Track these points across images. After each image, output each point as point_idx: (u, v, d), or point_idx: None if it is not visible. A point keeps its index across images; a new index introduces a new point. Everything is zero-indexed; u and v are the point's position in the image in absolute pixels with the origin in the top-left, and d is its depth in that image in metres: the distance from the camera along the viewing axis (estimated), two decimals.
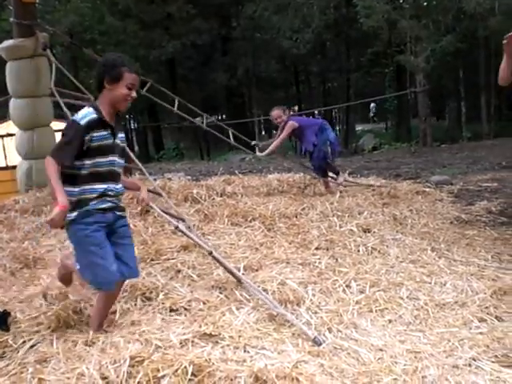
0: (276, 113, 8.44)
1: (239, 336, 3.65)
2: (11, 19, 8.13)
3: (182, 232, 5.13)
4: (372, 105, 41.34)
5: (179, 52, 26.97)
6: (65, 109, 7.30)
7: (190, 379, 3.03)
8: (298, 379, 3.13)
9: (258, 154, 9.58)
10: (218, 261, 4.79)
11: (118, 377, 3.15)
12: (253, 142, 9.60)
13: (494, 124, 24.68)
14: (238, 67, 28.42)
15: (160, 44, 25.97)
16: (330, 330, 3.87)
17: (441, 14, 19.97)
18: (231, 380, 3.02)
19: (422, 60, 19.85)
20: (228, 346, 3.53)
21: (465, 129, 24.04)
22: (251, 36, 28.14)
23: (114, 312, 4.06)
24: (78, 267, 3.60)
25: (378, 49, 26.58)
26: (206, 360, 3.19)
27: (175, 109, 9.64)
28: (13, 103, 8.09)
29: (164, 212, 5.59)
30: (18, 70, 7.97)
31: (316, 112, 33.09)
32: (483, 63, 23.97)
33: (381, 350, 3.61)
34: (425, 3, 20.38)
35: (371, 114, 43.49)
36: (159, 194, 6.61)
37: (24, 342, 3.67)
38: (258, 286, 4.50)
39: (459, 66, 25.10)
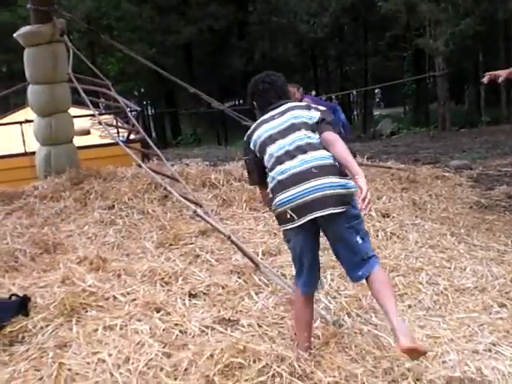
0: (290, 90, 8.38)
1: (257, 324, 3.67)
2: (28, 5, 8.11)
3: (201, 217, 5.14)
4: (377, 90, 40.86)
5: (196, 37, 26.89)
6: (83, 94, 7.32)
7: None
8: (319, 362, 3.14)
9: None
10: (236, 245, 4.79)
11: (138, 362, 3.18)
12: None
13: None
14: (254, 52, 28.30)
15: (176, 29, 25.90)
16: (349, 314, 3.88)
17: None
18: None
19: (441, 43, 19.61)
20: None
21: (484, 113, 23.78)
22: (268, 20, 27.95)
23: (135, 299, 4.07)
24: (360, 241, 3.22)
25: (397, 32, 26.28)
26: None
27: (192, 90, 9.60)
28: (30, 89, 8.10)
29: (182, 197, 5.60)
30: (35, 57, 7.97)
31: (333, 96, 32.91)
32: (503, 46, 23.64)
33: None
34: None
35: (377, 99, 43.14)
36: (177, 180, 6.62)
37: (43, 327, 3.70)
38: (277, 271, 4.50)
39: (478, 50, 24.78)
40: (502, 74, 5.20)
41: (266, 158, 3.33)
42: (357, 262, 3.21)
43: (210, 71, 30.67)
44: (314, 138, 3.28)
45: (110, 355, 3.27)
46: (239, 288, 4.25)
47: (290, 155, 3.24)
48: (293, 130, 3.32)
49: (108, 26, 27.01)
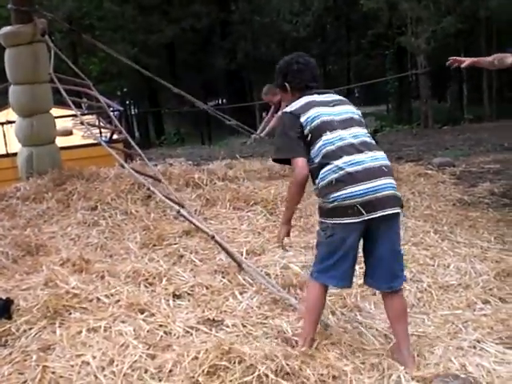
0: (269, 93, 8.35)
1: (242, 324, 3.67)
2: (9, 6, 8.05)
3: (184, 217, 5.11)
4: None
5: (178, 36, 26.85)
6: (64, 94, 7.26)
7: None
8: (306, 360, 3.13)
9: (253, 136, 9.49)
10: (220, 245, 4.77)
11: (123, 364, 3.16)
12: (252, 136, 9.56)
13: (496, 105, 24.59)
14: (237, 51, 28.31)
15: (159, 29, 25.83)
16: (333, 313, 3.87)
17: None
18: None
19: (422, 41, 19.72)
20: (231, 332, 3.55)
21: (466, 111, 23.97)
22: (250, 19, 27.99)
23: (118, 301, 4.04)
24: (402, 251, 3.34)
25: (379, 31, 26.42)
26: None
27: (175, 90, 9.59)
28: (12, 90, 8.03)
29: (165, 197, 5.58)
30: (16, 57, 7.90)
31: None
32: (484, 44, 23.84)
33: (385, 333, 3.61)
34: None
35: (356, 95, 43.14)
36: (159, 180, 6.59)
37: (26, 330, 3.67)
38: (261, 271, 4.50)
39: (460, 48, 24.98)
40: (467, 61, 5.22)
41: (319, 142, 3.19)
42: (395, 271, 3.26)
43: (193, 70, 30.62)
44: (372, 138, 3.32)
45: (94, 357, 3.24)
46: (223, 288, 4.24)
47: (355, 148, 3.18)
48: (354, 124, 3.31)
49: (90, 26, 26.90)
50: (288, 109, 3.35)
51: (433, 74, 23.41)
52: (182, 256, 4.98)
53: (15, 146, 8.43)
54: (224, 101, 38.32)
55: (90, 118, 10.84)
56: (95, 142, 8.88)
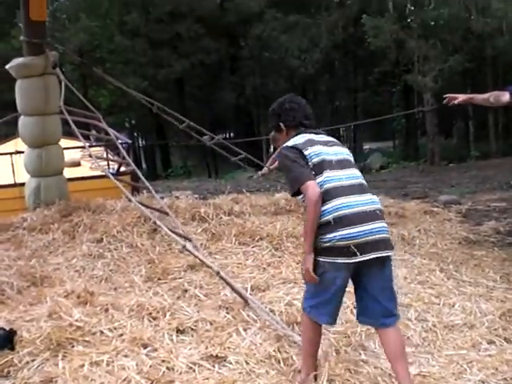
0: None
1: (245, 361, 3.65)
2: (21, 37, 8.19)
3: (189, 251, 5.12)
4: None
5: (188, 71, 27.13)
6: (73, 126, 7.33)
7: None
8: None
9: (260, 172, 9.51)
10: (225, 281, 4.77)
11: None
12: (259, 173, 9.58)
13: (502, 143, 24.65)
14: (245, 86, 28.54)
15: (169, 63, 26.15)
16: (337, 351, 3.84)
17: (448, 33, 20.02)
18: None
19: (429, 79, 19.89)
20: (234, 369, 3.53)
21: (473, 147, 24.03)
22: (259, 55, 28.29)
23: (122, 335, 4.03)
24: (395, 288, 3.48)
25: (386, 68, 26.65)
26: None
27: (182, 126, 9.68)
28: (22, 121, 8.12)
29: (171, 231, 5.58)
30: (27, 88, 8.01)
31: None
32: (491, 82, 23.99)
33: (390, 372, 3.58)
34: (432, 23, 20.43)
35: None
36: (166, 213, 6.61)
37: (29, 361, 3.66)
38: (266, 307, 4.48)
39: (467, 85, 25.16)
40: (461, 97, 5.24)
41: (320, 177, 3.24)
42: (388, 309, 3.32)
43: (202, 105, 30.88)
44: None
45: None
46: (227, 324, 4.22)
47: (353, 190, 3.27)
48: (349, 165, 3.40)
49: (101, 59, 27.27)
50: (289, 143, 3.42)
51: (439, 111, 23.53)
52: (186, 290, 4.96)
53: (23, 176, 8.48)
54: (232, 134, 38.55)
55: (98, 150, 10.91)
56: (103, 173, 8.94)
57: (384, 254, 3.23)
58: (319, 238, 3.21)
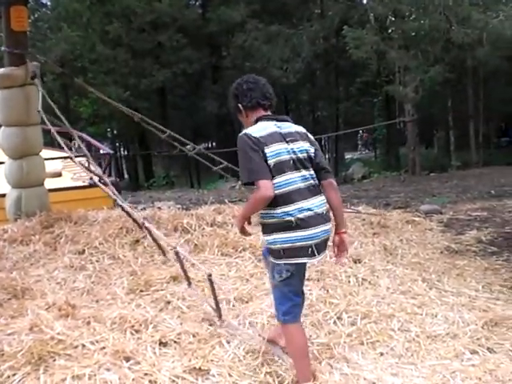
0: None
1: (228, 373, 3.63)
2: (2, 48, 8.15)
3: (183, 255, 5.02)
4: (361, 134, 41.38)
5: (170, 80, 27.09)
6: (57, 136, 7.28)
7: None
8: None
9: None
10: (212, 289, 4.71)
11: None
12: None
13: (483, 152, 24.88)
14: (228, 96, 28.53)
15: (150, 72, 26.09)
16: (320, 363, 3.84)
17: (429, 44, 20.16)
18: None
19: (410, 90, 20.01)
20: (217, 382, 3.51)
21: (454, 157, 24.21)
22: (241, 65, 28.28)
23: (104, 348, 3.99)
24: None
25: (367, 78, 26.85)
26: None
27: (164, 136, 9.66)
28: (2, 131, 8.05)
29: (155, 240, 5.55)
30: (8, 99, 7.95)
31: None
32: (471, 92, 24.23)
33: (373, 383, 3.58)
34: (413, 33, 20.60)
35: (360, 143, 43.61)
36: (139, 226, 6.54)
37: (10, 375, 3.61)
38: (247, 320, 4.47)
39: (448, 95, 25.35)
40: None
41: (275, 179, 3.33)
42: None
43: (184, 114, 30.84)
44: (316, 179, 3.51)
45: None
46: (210, 336, 4.20)
47: (306, 193, 3.40)
48: (303, 166, 3.46)
49: (82, 68, 27.11)
50: (253, 133, 3.41)
51: (420, 121, 23.71)
52: (169, 302, 4.92)
53: (3, 187, 8.40)
54: (214, 144, 38.49)
55: (80, 161, 10.85)
56: (84, 184, 8.86)
57: (325, 252, 3.55)
58: (282, 239, 3.35)
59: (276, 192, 3.31)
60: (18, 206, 7.89)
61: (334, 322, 4.52)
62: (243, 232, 3.73)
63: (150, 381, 3.52)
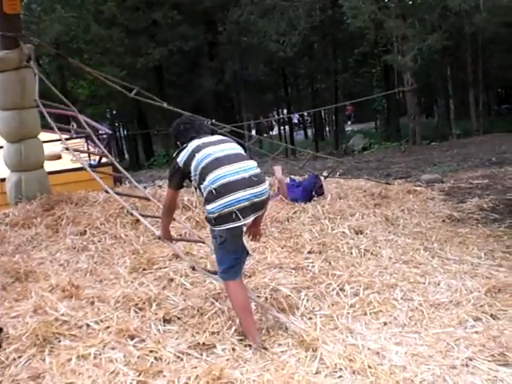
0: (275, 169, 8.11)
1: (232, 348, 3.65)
2: None
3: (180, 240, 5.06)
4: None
5: (166, 58, 26.88)
6: (49, 120, 7.24)
7: None
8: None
9: None
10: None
11: None
12: None
13: (483, 120, 24.74)
14: (225, 71, 28.36)
15: (146, 51, 25.88)
16: (325, 335, 3.85)
17: (426, 12, 19.95)
18: None
19: (409, 59, 19.85)
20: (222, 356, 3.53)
21: (454, 126, 24.06)
22: (237, 40, 28.09)
23: (108, 327, 4.01)
24: None
25: (365, 49, 26.58)
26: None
27: (164, 105, 9.62)
28: None
29: (144, 216, 5.54)
30: (3, 82, 7.89)
31: (305, 114, 33.10)
32: (470, 60, 24.02)
33: (377, 353, 3.59)
34: (410, 2, 20.39)
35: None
36: (147, 199, 6.56)
37: (16, 358, 3.63)
38: (250, 292, 4.48)
39: (446, 64, 25.11)
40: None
41: (209, 177, 3.76)
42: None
43: (182, 92, 30.65)
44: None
45: None
46: (215, 312, 4.21)
47: (224, 160, 3.82)
48: (241, 158, 3.89)
49: (78, 49, 26.90)
50: (180, 157, 4.04)
51: (420, 91, 23.55)
52: (172, 280, 4.94)
53: (3, 172, 8.38)
54: (213, 120, 38.34)
55: (79, 142, 10.81)
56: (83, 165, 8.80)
57: (260, 212, 3.89)
58: (210, 209, 3.74)
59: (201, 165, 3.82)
60: (19, 189, 7.86)
61: (337, 294, 4.53)
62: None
63: (155, 358, 3.54)
